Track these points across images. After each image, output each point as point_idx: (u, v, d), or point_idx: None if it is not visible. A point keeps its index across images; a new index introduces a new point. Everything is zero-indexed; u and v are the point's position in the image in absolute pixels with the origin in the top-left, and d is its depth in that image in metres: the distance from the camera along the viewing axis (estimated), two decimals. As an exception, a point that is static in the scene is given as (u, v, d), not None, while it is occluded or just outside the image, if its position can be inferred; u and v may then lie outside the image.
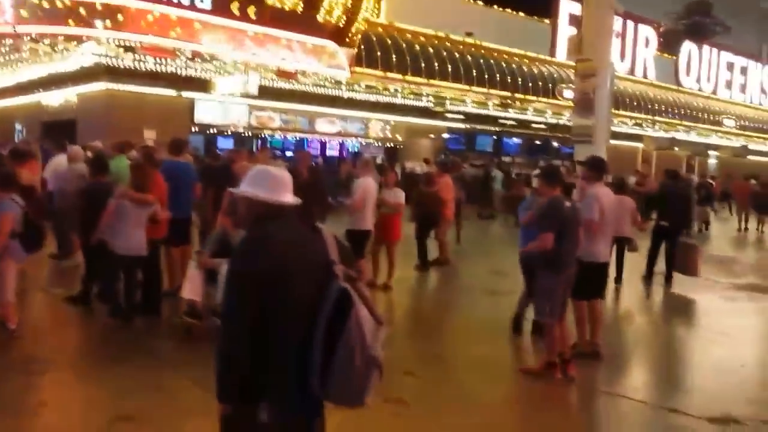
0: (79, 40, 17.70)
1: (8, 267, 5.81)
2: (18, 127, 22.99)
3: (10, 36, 17.22)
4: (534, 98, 27.72)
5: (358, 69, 22.22)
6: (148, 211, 6.43)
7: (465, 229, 13.52)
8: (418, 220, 10.29)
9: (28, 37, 17.18)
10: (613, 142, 17.54)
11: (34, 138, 16.95)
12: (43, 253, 7.46)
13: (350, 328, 2.34)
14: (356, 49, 22.26)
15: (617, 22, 27.64)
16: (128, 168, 7.39)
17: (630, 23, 31.77)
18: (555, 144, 30.10)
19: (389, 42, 23.45)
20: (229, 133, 20.71)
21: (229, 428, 2.42)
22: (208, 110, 20.04)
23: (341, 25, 22.24)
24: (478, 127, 26.93)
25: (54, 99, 20.71)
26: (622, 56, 31.39)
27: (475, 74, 25.67)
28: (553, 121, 28.62)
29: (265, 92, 19.75)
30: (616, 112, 26.86)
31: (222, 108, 20.14)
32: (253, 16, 19.50)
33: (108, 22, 16.87)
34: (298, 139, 22.97)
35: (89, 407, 4.67)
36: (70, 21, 16.63)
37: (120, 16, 17.06)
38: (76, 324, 6.73)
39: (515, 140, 29.52)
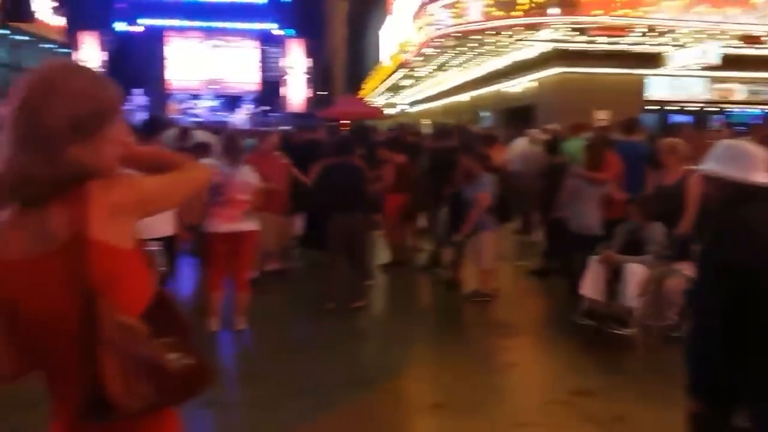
0: (535, 28, 18.87)
1: (488, 238, 6.64)
2: (484, 114, 25.84)
3: (476, 32, 19.37)
4: None
5: None
6: (602, 191, 6.52)
7: None
8: None
9: (493, 31, 19.05)
10: None
11: (499, 124, 18.88)
12: (508, 229, 8.30)
13: None
14: None
15: None
16: (583, 148, 7.62)
17: None
18: None
19: None
20: (684, 109, 19.37)
21: (697, 426, 2.29)
22: (660, 86, 19.12)
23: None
24: None
25: (514, 87, 22.59)
26: None
27: None
28: None
29: (725, 62, 17.79)
30: None
31: (675, 83, 18.96)
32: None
33: (561, 9, 17.50)
34: (766, 112, 20.05)
35: (550, 375, 5.05)
36: (526, 11, 17.83)
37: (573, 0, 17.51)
38: (537, 295, 7.28)
39: None
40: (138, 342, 1.34)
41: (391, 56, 29.65)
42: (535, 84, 20.97)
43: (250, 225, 5.60)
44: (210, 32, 32.05)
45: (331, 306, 6.38)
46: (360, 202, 6.45)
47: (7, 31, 32.90)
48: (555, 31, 18.34)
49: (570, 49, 18.60)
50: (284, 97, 29.59)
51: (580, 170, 6.69)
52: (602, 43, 18.48)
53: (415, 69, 26.17)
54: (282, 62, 30.29)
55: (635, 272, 5.37)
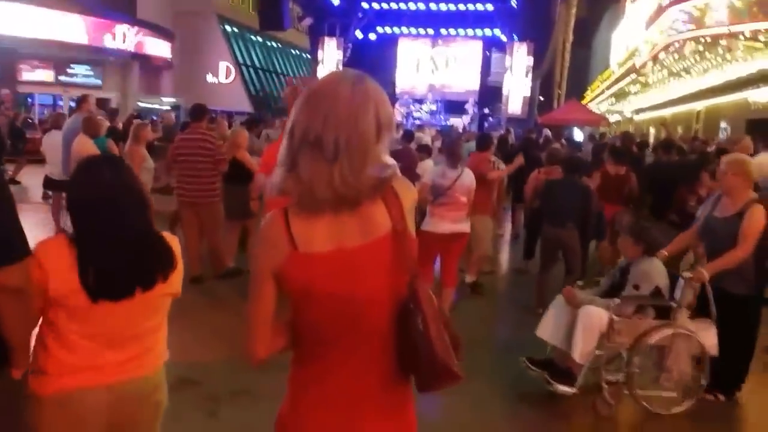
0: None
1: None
2: (722, 125, 23.54)
3: (724, 36, 17.69)
4: None
5: None
6: None
7: None
8: None
9: (743, 36, 17.26)
10: None
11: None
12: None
13: None
14: None
15: None
16: None
17: None
18: None
19: None
20: None
21: None
22: None
23: None
24: None
25: (762, 96, 20.27)
26: None
27: None
28: None
29: None
30: None
31: None
32: None
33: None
34: None
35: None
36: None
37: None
38: None
39: None
40: (440, 313, 1.57)
41: (619, 62, 28.25)
42: (788, 93, 18.63)
43: (466, 227, 5.91)
44: (437, 39, 33.32)
45: (540, 312, 6.49)
46: (573, 216, 6.48)
47: (261, 39, 37.31)
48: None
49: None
50: (505, 100, 29.75)
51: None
52: None
53: (646, 75, 24.68)
54: (504, 67, 30.47)
55: (589, 316, 4.25)
